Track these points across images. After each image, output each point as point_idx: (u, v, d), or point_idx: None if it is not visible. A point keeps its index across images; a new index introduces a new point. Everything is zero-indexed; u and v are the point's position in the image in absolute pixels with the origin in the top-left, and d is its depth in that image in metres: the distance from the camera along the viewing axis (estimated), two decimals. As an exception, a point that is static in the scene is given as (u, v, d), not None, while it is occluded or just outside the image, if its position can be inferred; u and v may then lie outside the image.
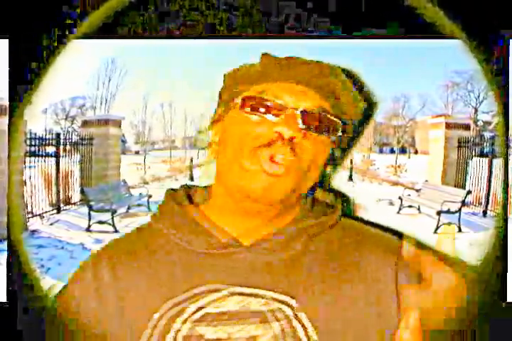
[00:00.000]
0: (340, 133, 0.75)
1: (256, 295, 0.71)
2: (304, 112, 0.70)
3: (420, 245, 0.76)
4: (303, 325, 0.70)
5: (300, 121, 0.70)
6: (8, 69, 0.97)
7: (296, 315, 0.69)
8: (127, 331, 0.73)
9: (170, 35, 1.00)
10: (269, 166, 0.68)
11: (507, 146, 0.94)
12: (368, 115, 0.90)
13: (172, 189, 0.82)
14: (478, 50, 0.84)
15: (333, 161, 0.80)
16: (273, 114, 0.70)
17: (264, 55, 0.77)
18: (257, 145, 0.69)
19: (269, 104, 0.72)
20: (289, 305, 0.70)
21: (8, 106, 0.99)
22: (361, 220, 0.86)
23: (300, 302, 0.69)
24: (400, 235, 0.78)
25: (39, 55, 0.91)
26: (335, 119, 0.74)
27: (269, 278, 0.72)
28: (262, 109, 0.71)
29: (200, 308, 0.70)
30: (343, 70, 0.79)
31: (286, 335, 0.68)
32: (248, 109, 0.71)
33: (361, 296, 0.71)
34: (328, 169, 0.84)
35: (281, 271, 0.73)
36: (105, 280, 0.76)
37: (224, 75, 0.79)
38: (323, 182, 0.86)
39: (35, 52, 0.92)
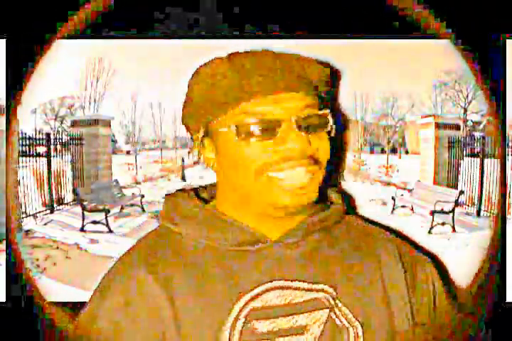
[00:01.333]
0: (332, 123, 0.75)
1: (294, 288, 0.73)
2: (298, 120, 0.70)
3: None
4: (343, 312, 0.73)
5: (299, 129, 0.70)
6: (5, 69, 0.97)
7: (336, 302, 0.72)
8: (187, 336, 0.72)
9: (159, 35, 1.01)
10: (286, 182, 0.68)
11: (504, 146, 0.96)
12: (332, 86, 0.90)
13: (179, 190, 0.81)
14: (472, 51, 0.86)
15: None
16: (271, 133, 0.69)
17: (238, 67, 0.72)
18: (263, 164, 0.68)
19: (263, 125, 0.70)
20: (327, 293, 0.72)
21: (5, 106, 1.00)
22: (358, 216, 0.89)
23: (337, 290, 0.72)
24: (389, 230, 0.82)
25: (36, 56, 0.92)
26: (324, 112, 0.74)
27: (302, 270, 0.74)
28: (258, 132, 0.70)
29: (246, 304, 0.72)
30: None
31: (331, 322, 0.70)
32: (244, 136, 0.70)
33: (381, 281, 0.73)
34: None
35: (309, 260, 0.74)
36: (152, 285, 0.73)
37: (190, 96, 0.74)
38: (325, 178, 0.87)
39: (32, 53, 0.92)
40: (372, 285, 0.73)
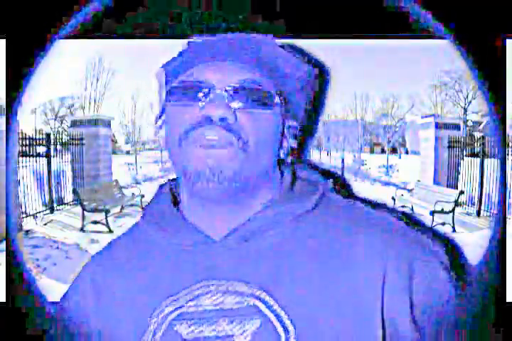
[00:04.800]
0: (277, 103, 0.71)
1: (230, 292, 0.68)
2: (233, 89, 0.67)
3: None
4: (279, 319, 0.67)
5: (229, 99, 0.67)
6: (5, 69, 0.96)
7: (272, 310, 0.67)
8: (114, 330, 0.72)
9: (159, 35, 1.01)
10: (204, 142, 0.66)
11: (504, 146, 0.96)
12: (322, 88, 0.88)
13: (162, 185, 0.80)
14: (472, 51, 0.85)
15: (297, 135, 0.77)
16: (200, 98, 0.67)
17: (189, 42, 0.73)
18: (188, 129, 0.66)
19: (193, 88, 0.68)
20: (263, 301, 0.67)
21: (5, 106, 1.00)
22: (355, 198, 0.82)
23: (276, 296, 0.66)
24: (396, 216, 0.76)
25: (36, 56, 0.91)
26: (268, 90, 0.70)
27: (243, 272, 0.70)
28: (188, 95, 0.67)
29: (175, 304, 0.69)
30: (284, 45, 0.75)
31: (263, 332, 0.66)
32: (174, 99, 0.68)
33: (345, 284, 0.68)
34: (303, 145, 0.81)
35: (256, 262, 0.70)
36: (99, 284, 0.75)
37: (156, 75, 0.76)
38: (301, 159, 0.84)
39: (32, 53, 0.92)
40: (330, 289, 0.65)
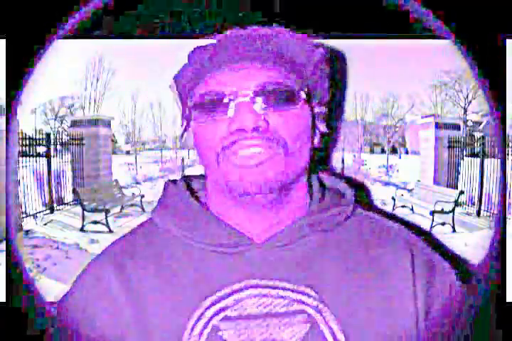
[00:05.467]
0: (304, 98, 0.70)
1: (275, 296, 0.67)
2: (257, 94, 0.66)
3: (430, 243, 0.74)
4: (327, 324, 0.66)
5: (255, 105, 0.65)
6: (5, 69, 0.96)
7: (319, 314, 0.66)
8: (150, 334, 0.69)
9: (160, 35, 1.01)
10: (240, 160, 0.65)
11: (504, 146, 0.96)
12: (341, 81, 0.87)
13: (172, 181, 0.78)
14: (472, 51, 0.85)
15: (325, 134, 0.76)
16: (225, 110, 0.66)
17: (199, 48, 0.70)
18: (224, 146, 0.65)
19: (216, 101, 0.67)
20: (311, 305, 0.66)
21: (5, 106, 0.99)
22: (375, 209, 0.83)
23: (322, 301, 0.66)
24: (411, 228, 0.76)
25: (36, 56, 0.91)
26: (292, 87, 0.69)
27: (286, 276, 0.69)
28: (212, 109, 0.66)
29: (222, 309, 0.67)
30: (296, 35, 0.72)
31: (313, 336, 0.64)
32: (199, 117, 0.67)
33: (378, 291, 0.67)
34: (325, 150, 0.81)
35: (297, 267, 0.69)
36: (113, 284, 0.71)
37: (174, 81, 0.73)
38: (323, 165, 0.84)
39: (32, 53, 0.92)
40: (370, 295, 0.65)
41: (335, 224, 0.74)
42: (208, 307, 0.69)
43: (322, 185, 0.82)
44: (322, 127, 0.77)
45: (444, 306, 0.71)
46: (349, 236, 0.74)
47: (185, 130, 0.74)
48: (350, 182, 0.81)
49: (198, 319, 0.69)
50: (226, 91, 0.68)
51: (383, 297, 0.70)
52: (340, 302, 0.69)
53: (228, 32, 0.71)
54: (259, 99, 0.67)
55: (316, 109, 0.75)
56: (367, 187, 0.85)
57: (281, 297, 0.68)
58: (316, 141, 0.76)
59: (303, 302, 0.68)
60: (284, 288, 0.68)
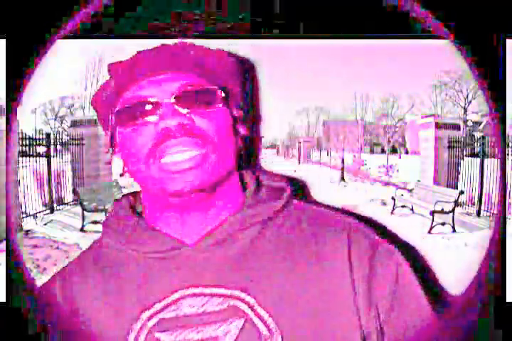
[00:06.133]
0: (222, 97, 0.73)
1: (209, 295, 0.69)
2: (178, 97, 0.68)
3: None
4: (262, 319, 0.68)
5: (178, 107, 0.68)
6: (5, 69, 0.97)
7: (253, 309, 0.68)
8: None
9: (160, 35, 1.01)
10: (169, 160, 0.67)
11: (504, 146, 0.96)
12: (252, 84, 0.90)
13: (117, 200, 0.81)
14: (472, 51, 0.85)
15: (246, 123, 0.79)
16: (151, 114, 0.68)
17: (111, 64, 0.74)
18: (151, 147, 0.67)
19: (141, 107, 0.69)
20: (244, 301, 0.68)
21: (5, 106, 1.00)
22: (315, 203, 0.84)
23: (255, 296, 0.68)
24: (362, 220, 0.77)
25: (36, 56, 0.92)
26: (209, 88, 0.72)
27: (220, 275, 0.71)
28: (138, 115, 0.68)
29: (154, 314, 0.69)
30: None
31: (247, 332, 0.66)
32: (126, 123, 0.69)
33: (315, 284, 0.69)
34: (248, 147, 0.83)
35: (232, 265, 0.71)
36: (58, 297, 0.75)
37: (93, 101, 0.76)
38: (252, 163, 0.86)
39: (32, 53, 0.92)
40: (306, 289, 0.67)
41: (267, 218, 0.75)
42: (143, 311, 0.72)
43: (259, 183, 0.84)
44: (242, 130, 0.79)
45: (394, 289, 0.71)
46: (284, 229, 0.75)
47: (112, 143, 0.76)
48: (291, 179, 0.81)
49: (135, 323, 0.71)
50: (148, 96, 0.71)
51: (320, 290, 0.71)
52: (273, 297, 0.70)
53: (150, 47, 0.76)
54: (180, 101, 0.70)
55: (235, 112, 0.78)
56: (307, 185, 0.85)
57: (215, 295, 0.70)
58: (239, 143, 0.78)
59: (237, 299, 0.70)
60: (217, 287, 0.70)
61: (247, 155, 0.79)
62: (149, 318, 0.68)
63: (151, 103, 0.68)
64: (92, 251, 0.79)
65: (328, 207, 0.80)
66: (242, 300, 0.68)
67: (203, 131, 0.67)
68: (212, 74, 0.75)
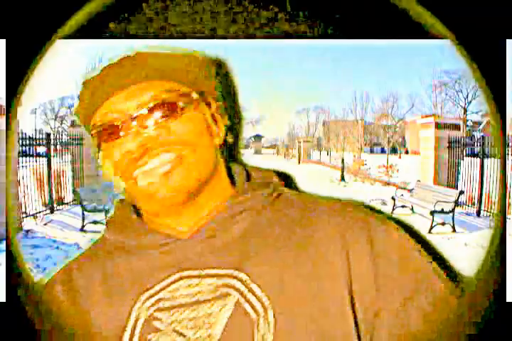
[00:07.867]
0: (195, 99, 0.75)
1: (204, 276, 0.73)
2: (142, 113, 0.70)
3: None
4: (256, 296, 0.71)
5: (142, 122, 0.70)
6: (5, 69, 0.97)
7: (248, 287, 0.71)
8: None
9: (160, 35, 1.01)
10: (148, 174, 0.70)
11: (504, 146, 0.96)
12: (230, 86, 0.91)
13: (122, 199, 0.83)
14: (473, 51, 0.85)
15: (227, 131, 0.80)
16: (118, 135, 0.71)
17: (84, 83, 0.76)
18: (125, 170, 0.70)
19: (107, 129, 0.71)
20: (239, 279, 0.71)
21: (5, 106, 1.00)
22: (304, 193, 0.87)
23: (248, 273, 0.71)
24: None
25: (36, 56, 0.92)
26: (178, 94, 0.73)
27: (216, 258, 0.74)
28: (109, 134, 0.71)
29: (153, 295, 0.73)
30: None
31: (242, 308, 0.69)
32: (100, 138, 0.71)
33: (309, 268, 0.71)
34: (230, 141, 0.84)
35: (226, 249, 0.74)
36: (59, 293, 0.77)
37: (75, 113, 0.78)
38: (233, 157, 0.87)
39: (32, 53, 0.92)
40: (300, 273, 0.71)
41: (256, 211, 0.78)
42: (143, 296, 0.75)
43: (249, 177, 0.87)
44: (224, 120, 0.82)
45: (390, 262, 0.72)
46: (277, 216, 0.78)
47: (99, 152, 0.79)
48: (281, 173, 0.84)
49: (135, 306, 0.74)
50: (115, 114, 0.73)
51: (314, 274, 0.73)
52: (266, 281, 0.73)
53: (114, 60, 0.76)
54: (146, 116, 0.72)
55: (213, 105, 0.80)
56: (293, 178, 0.86)
57: (210, 275, 0.73)
58: (222, 134, 0.81)
59: (231, 277, 0.73)
60: (209, 275, 0.74)
61: (229, 151, 0.81)
62: (148, 298, 0.71)
63: (115, 126, 0.70)
64: (93, 249, 0.81)
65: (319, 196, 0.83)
66: (236, 277, 0.70)
67: (171, 139, 0.69)
68: (182, 75, 0.77)
